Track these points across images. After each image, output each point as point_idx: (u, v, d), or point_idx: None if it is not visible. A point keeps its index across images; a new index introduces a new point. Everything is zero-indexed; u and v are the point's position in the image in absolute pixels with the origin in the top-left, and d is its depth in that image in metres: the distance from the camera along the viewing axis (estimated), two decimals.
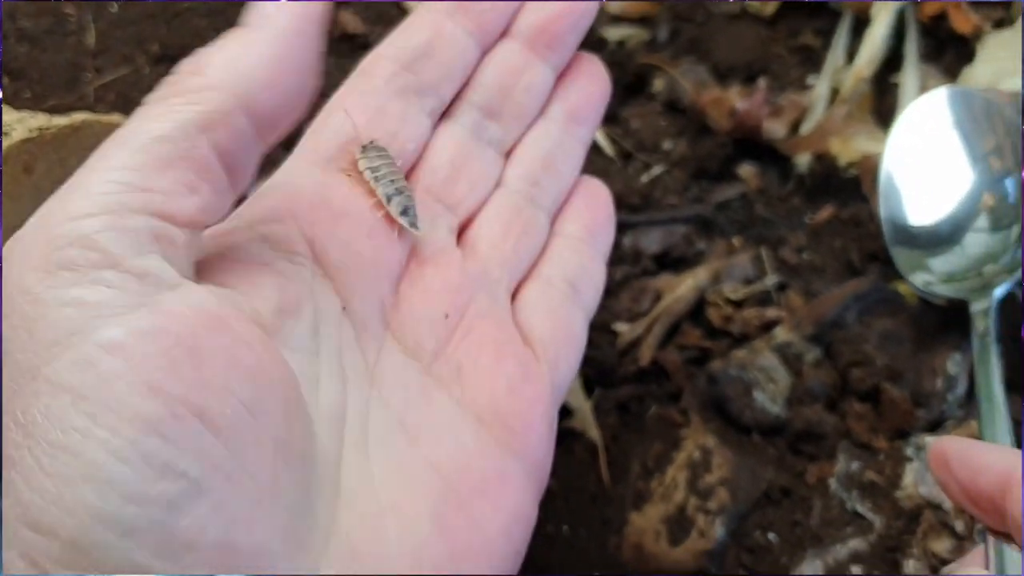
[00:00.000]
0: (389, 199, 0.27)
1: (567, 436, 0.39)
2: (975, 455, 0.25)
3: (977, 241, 0.38)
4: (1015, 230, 0.37)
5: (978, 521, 0.26)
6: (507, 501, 0.25)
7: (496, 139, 0.31)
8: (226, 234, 0.24)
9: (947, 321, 0.40)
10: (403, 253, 0.27)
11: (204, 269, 0.23)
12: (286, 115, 0.23)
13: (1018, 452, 0.25)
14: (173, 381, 0.19)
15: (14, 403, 0.18)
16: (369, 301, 0.26)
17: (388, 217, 0.27)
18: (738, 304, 0.42)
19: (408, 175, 0.29)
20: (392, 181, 0.27)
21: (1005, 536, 0.25)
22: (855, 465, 0.37)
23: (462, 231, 0.30)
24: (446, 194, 0.29)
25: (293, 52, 0.22)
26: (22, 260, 0.19)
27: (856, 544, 0.35)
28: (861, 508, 0.36)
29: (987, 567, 0.25)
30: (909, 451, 0.37)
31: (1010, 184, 0.38)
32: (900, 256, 0.39)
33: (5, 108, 0.35)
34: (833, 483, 0.37)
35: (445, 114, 0.30)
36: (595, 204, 0.32)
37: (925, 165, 0.40)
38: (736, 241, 0.45)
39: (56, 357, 0.18)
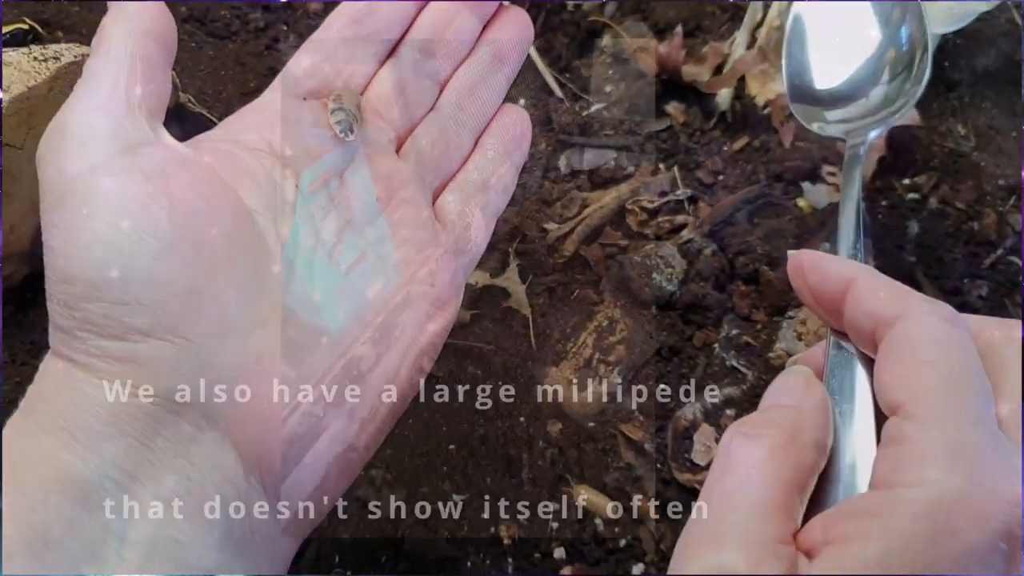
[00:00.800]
0: (332, 112, 0.36)
1: (506, 314, 0.47)
2: (824, 264, 0.30)
3: (879, 92, 0.41)
4: (915, 71, 0.41)
5: (823, 321, 0.31)
6: (413, 314, 0.34)
7: (432, 72, 0.39)
8: (212, 139, 0.34)
9: (826, 222, 0.48)
10: (347, 150, 0.36)
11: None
12: (168, 33, 0.32)
13: (858, 264, 0.30)
14: (146, 188, 0.28)
15: (52, 215, 0.28)
16: (318, 179, 0.35)
17: (331, 126, 0.36)
18: (654, 212, 0.50)
19: None
20: (342, 104, 0.36)
21: (843, 335, 0.30)
22: (736, 332, 0.45)
23: (402, 142, 0.39)
24: (387, 112, 0.38)
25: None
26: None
27: (730, 392, 0.43)
28: (737, 364, 0.44)
29: (825, 356, 0.30)
30: (784, 324, 0.45)
31: (904, 32, 0.42)
32: (799, 111, 0.42)
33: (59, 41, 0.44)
34: (717, 347, 0.45)
35: (391, 55, 0.39)
36: (513, 125, 0.41)
37: (831, 31, 0.43)
38: (662, 166, 0.53)
39: (72, 183, 0.28)
